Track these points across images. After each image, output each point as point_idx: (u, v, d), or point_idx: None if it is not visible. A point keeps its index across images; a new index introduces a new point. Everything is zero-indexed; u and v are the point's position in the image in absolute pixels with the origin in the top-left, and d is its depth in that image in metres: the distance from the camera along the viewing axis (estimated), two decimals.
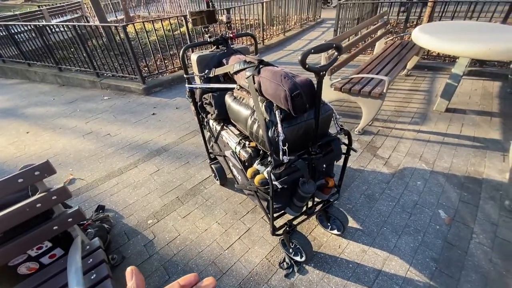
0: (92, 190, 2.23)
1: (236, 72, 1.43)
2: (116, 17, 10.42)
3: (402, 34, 3.92)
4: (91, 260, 1.15)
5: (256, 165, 1.40)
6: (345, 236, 1.68)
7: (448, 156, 2.28)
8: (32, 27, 4.57)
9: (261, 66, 1.29)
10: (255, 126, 1.30)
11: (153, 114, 3.40)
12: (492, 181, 2.01)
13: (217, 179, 2.17)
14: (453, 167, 2.17)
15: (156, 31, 4.34)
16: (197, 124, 3.04)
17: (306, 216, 1.55)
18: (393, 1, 4.74)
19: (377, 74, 2.70)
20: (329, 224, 1.68)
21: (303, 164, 1.20)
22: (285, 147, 1.15)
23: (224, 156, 1.81)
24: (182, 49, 1.63)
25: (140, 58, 4.85)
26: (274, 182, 1.20)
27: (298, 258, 1.54)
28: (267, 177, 1.28)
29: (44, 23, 5.09)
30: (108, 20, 8.98)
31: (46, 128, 3.33)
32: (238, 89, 1.51)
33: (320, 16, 8.04)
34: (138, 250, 1.70)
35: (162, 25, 4.19)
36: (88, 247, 1.23)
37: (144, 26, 4.04)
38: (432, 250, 1.58)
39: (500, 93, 3.22)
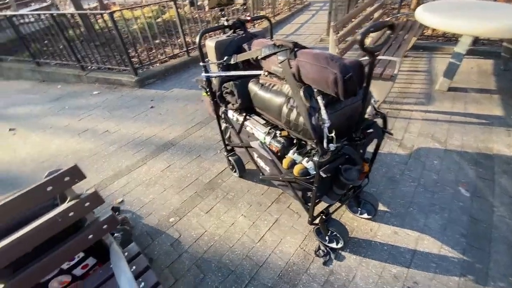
0: (102, 191, 2.09)
1: (265, 57, 1.34)
2: (89, 4, 9.68)
3: (398, 15, 3.91)
4: (134, 267, 1.07)
5: (292, 155, 1.34)
6: (374, 219, 1.69)
7: (458, 134, 2.34)
8: (2, 17, 4.12)
9: (296, 49, 1.21)
10: (293, 114, 1.23)
11: (152, 107, 3.22)
12: (502, 156, 2.08)
13: (235, 172, 2.10)
14: (465, 144, 2.22)
15: (139, 19, 4.04)
16: (202, 116, 2.94)
17: (340, 204, 1.54)
18: None
19: (383, 55, 2.68)
20: (359, 208, 1.68)
21: (353, 150, 1.15)
22: (332, 134, 1.10)
23: (247, 148, 1.74)
24: (199, 35, 1.51)
25: (129, 46, 4.55)
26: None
27: (334, 245, 1.53)
28: (308, 167, 1.23)
29: (13, 12, 4.62)
30: None
31: (34, 129, 3.08)
32: (265, 76, 1.42)
33: None
34: (165, 250, 1.62)
35: (152, 9, 3.91)
36: (126, 253, 1.14)
37: (133, 13, 3.74)
38: (459, 226, 1.62)
39: (494, 71, 3.31)
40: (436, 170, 2.01)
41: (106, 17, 3.32)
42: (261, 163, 1.65)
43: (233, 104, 1.65)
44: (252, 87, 1.49)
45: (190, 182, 2.09)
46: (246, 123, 1.62)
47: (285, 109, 1.27)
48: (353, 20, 3.00)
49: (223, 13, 1.60)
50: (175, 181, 2.12)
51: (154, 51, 4.38)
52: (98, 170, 2.31)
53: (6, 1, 6.38)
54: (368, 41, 3.23)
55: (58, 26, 3.66)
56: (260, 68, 1.44)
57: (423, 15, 2.60)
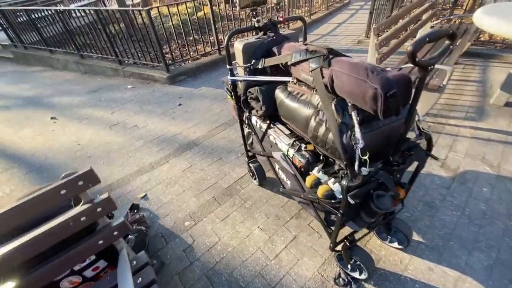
0: (124, 187, 2.14)
1: (295, 64, 1.23)
2: (132, 1, 10.19)
3: (451, 17, 3.51)
4: (140, 279, 1.04)
5: (317, 173, 1.22)
6: (406, 250, 1.50)
7: None
8: (53, 12, 4.45)
9: (331, 56, 1.08)
10: (321, 129, 1.10)
11: (179, 104, 3.25)
12: None
13: (255, 179, 2.01)
14: None
15: (175, 16, 4.11)
16: (227, 116, 2.89)
17: (367, 230, 1.38)
18: None
19: None
20: (389, 236, 1.50)
21: (388, 177, 1.00)
22: (365, 157, 0.96)
23: (268, 157, 1.64)
24: (227, 36, 1.43)
25: (162, 43, 4.67)
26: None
27: (356, 275, 1.37)
28: (334, 190, 1.10)
29: (64, 7, 4.98)
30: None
31: (72, 119, 3.27)
32: (294, 83, 1.31)
33: None
34: (177, 255, 1.59)
35: (186, 6, 3.95)
36: (134, 262, 1.11)
37: (168, 10, 3.82)
38: (509, 270, 1.37)
39: None
40: (485, 199, 1.74)
41: (143, 13, 3.41)
42: (283, 176, 1.55)
43: (257, 111, 1.56)
44: (279, 94, 1.38)
45: (209, 185, 2.05)
46: (270, 131, 1.52)
47: (312, 122, 1.15)
48: (397, 22, 2.73)
49: (254, 13, 1.50)
50: (194, 183, 2.09)
51: (187, 48, 4.43)
52: (123, 165, 2.37)
53: None
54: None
55: (100, 22, 3.85)
56: (289, 74, 1.33)
57: (482, 19, 2.27)
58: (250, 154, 1.95)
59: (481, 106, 2.61)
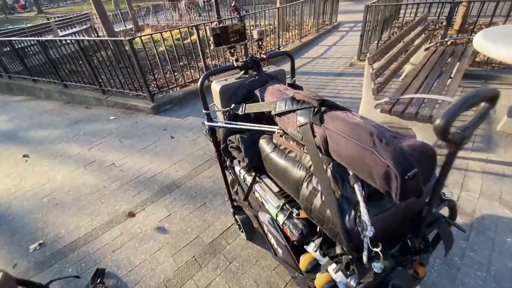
0: (92, 243, 1.83)
1: (280, 114, 1.01)
2: (125, 26, 10.27)
3: (445, 40, 3.41)
4: None
5: (313, 252, 0.95)
6: None
7: None
8: (35, 42, 4.30)
9: (323, 109, 0.85)
10: (316, 201, 0.85)
11: (172, 137, 3.00)
12: None
13: (242, 232, 1.74)
14: None
15: (165, 41, 3.99)
16: (214, 152, 2.64)
17: None
18: (431, 1, 4.21)
19: (430, 91, 2.22)
20: None
21: (405, 275, 0.74)
22: (378, 249, 0.71)
23: (255, 216, 1.38)
24: (201, 78, 1.22)
25: (148, 71, 4.51)
26: None
27: None
28: (337, 280, 0.84)
29: (46, 38, 4.86)
30: (118, 30, 8.81)
31: (46, 155, 2.99)
32: (280, 135, 1.08)
33: (336, 20, 7.57)
34: None
35: (171, 34, 3.83)
36: None
37: (152, 38, 3.68)
38: None
39: None
40: (511, 254, 1.48)
41: (125, 43, 3.25)
42: (273, 241, 1.28)
43: (239, 161, 1.32)
44: (264, 146, 1.15)
45: (189, 240, 1.76)
46: (255, 186, 1.27)
47: (304, 190, 0.90)
48: (391, 49, 2.58)
49: (232, 51, 1.30)
50: (173, 237, 1.80)
51: (174, 74, 4.27)
52: (93, 214, 2.07)
53: (48, 22, 6.86)
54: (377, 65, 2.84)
55: (82, 51, 3.68)
56: (275, 121, 1.11)
57: (483, 45, 2.12)
58: (235, 203, 1.69)
59: (488, 135, 2.41)
